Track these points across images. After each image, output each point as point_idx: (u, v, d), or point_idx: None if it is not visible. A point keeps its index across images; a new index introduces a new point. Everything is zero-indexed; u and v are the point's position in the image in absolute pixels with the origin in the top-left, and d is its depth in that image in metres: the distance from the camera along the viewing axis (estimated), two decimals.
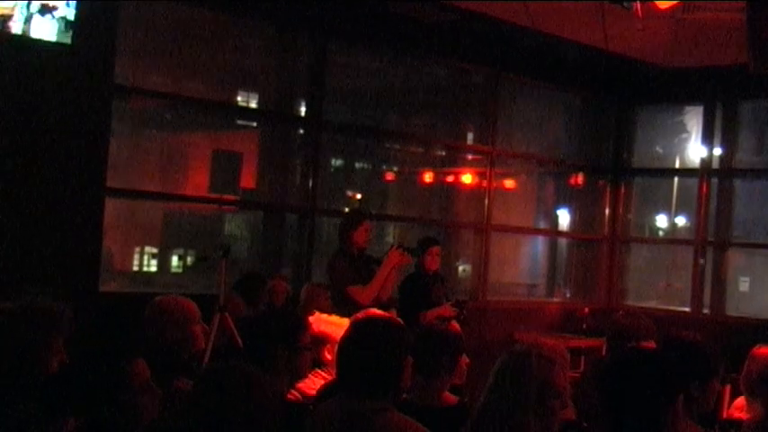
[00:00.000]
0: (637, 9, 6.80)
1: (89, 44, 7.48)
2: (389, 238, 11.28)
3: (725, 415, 5.38)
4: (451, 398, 4.40)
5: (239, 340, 6.54)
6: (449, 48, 10.53)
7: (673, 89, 11.75)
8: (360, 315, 4.71)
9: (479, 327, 9.88)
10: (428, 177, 11.33)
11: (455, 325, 5.94)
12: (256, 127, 10.18)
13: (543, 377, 3.27)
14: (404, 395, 3.91)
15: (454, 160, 11.69)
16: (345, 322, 4.65)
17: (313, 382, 4.85)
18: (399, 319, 4.47)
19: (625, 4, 6.81)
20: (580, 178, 12.74)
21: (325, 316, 5.41)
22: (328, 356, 4.90)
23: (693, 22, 8.73)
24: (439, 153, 11.50)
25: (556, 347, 3.42)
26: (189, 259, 9.92)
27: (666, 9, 6.92)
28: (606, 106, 12.61)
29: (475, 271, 11.42)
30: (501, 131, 11.49)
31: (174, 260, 10.00)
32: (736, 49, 7.22)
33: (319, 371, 4.96)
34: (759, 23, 6.61)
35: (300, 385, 4.77)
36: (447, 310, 8.29)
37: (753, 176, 12.07)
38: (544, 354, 3.32)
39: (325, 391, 4.48)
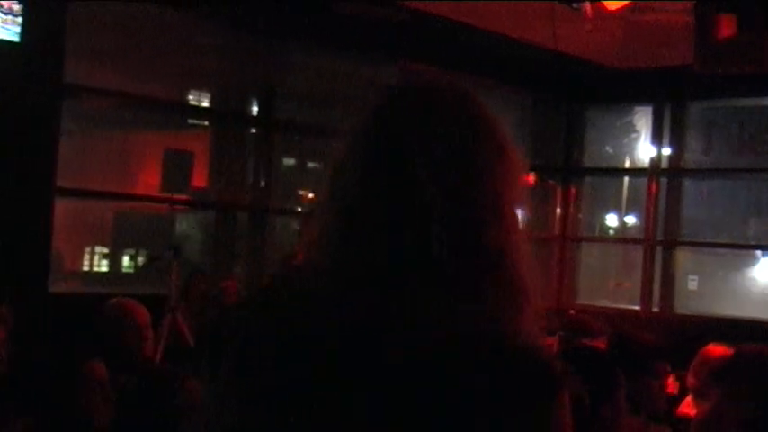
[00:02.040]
0: (586, 10, 6.86)
1: (37, 42, 7.42)
2: None
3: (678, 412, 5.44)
4: None
5: (190, 340, 6.52)
6: (401, 47, 10.55)
7: (622, 90, 11.87)
8: None
9: None
10: None
11: None
12: (208, 126, 10.14)
13: None
14: None
15: None
16: None
17: None
18: None
19: (574, 4, 6.86)
20: (530, 178, 12.81)
21: None
22: None
23: (642, 23, 8.82)
24: None
25: None
26: (140, 259, 9.87)
27: (615, 10, 6.98)
28: (556, 106, 12.70)
29: None
30: None
31: (126, 260, 9.95)
32: (684, 50, 7.30)
33: None
34: (706, 25, 6.70)
35: None
36: None
37: (701, 176, 12.23)
38: None
39: None
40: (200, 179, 9.87)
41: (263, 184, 9.60)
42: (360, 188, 1.53)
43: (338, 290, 1.46)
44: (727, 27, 6.59)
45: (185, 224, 10.35)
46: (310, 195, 11.10)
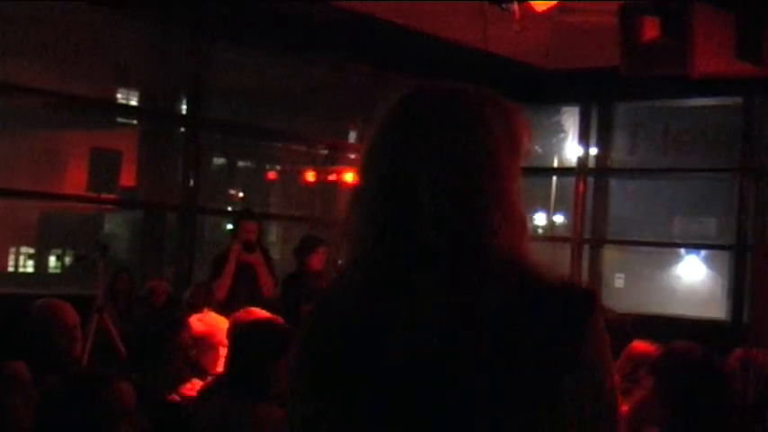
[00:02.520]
0: (515, 11, 6.92)
1: None
2: (272, 237, 11.26)
3: None
4: None
5: (118, 341, 6.46)
6: (332, 46, 10.55)
7: (550, 90, 11.98)
8: (240, 315, 4.71)
9: None
10: (310, 176, 11.34)
11: None
12: (136, 125, 10.05)
13: None
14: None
15: (337, 159, 11.72)
16: (221, 321, 4.65)
17: (193, 385, 4.81)
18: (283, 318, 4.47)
19: (503, 5, 6.92)
20: None
21: (212, 315, 5.36)
22: (201, 357, 4.86)
23: (569, 25, 8.92)
24: (321, 152, 11.51)
25: None
26: (67, 259, 9.75)
27: (543, 11, 7.05)
28: None
29: None
30: None
31: (52, 260, 9.82)
32: (610, 52, 7.40)
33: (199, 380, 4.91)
34: (630, 27, 6.80)
35: (181, 388, 4.73)
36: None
37: (627, 176, 12.43)
38: None
39: (207, 392, 4.45)
40: (127, 178, 9.77)
41: (191, 183, 9.52)
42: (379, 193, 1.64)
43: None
44: (651, 30, 6.69)
45: (113, 224, 10.25)
46: (240, 195, 11.07)
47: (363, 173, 1.69)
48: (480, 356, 1.52)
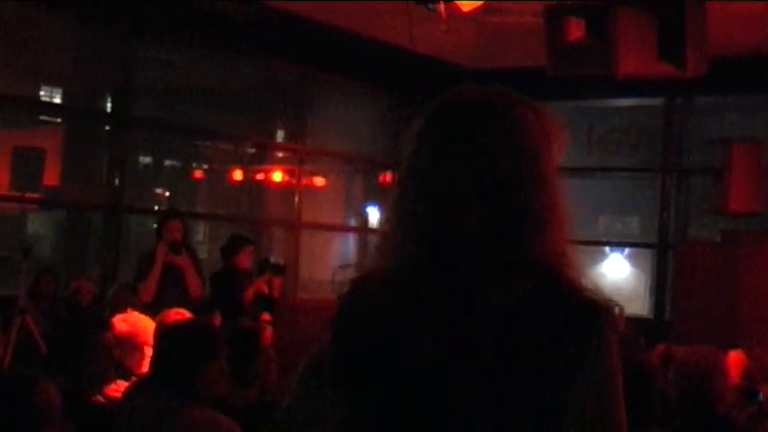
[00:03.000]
0: (441, 10, 6.96)
1: None
2: (200, 237, 11.19)
3: None
4: (255, 395, 4.41)
5: (41, 343, 6.38)
6: (260, 45, 10.51)
7: (474, 85, 12.05)
8: (167, 315, 4.67)
9: (291, 325, 9.91)
10: (238, 175, 11.29)
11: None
12: (60, 123, 9.91)
13: None
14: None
15: (264, 158, 11.69)
16: (146, 321, 4.61)
17: (118, 386, 4.76)
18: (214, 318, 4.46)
19: (430, 5, 6.96)
20: (389, 176, 12.93)
21: (136, 314, 5.31)
22: (125, 357, 4.81)
23: (495, 25, 9.00)
24: (249, 151, 11.47)
25: None
26: None
27: (469, 11, 7.11)
28: (413, 105, 12.82)
29: (286, 268, 11.43)
30: (311, 129, 11.55)
31: None
32: (536, 52, 7.48)
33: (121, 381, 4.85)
34: (556, 28, 6.88)
35: (106, 389, 4.68)
36: (259, 281, 8.39)
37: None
38: None
39: (132, 393, 4.41)
40: (51, 177, 9.63)
41: (116, 182, 9.41)
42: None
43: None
44: (575, 31, 6.79)
45: (36, 223, 10.10)
46: (166, 194, 10.98)
47: (408, 177, 1.69)
48: (481, 361, 1.54)
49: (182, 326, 3.77)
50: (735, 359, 7.36)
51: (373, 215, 13.05)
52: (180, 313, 4.80)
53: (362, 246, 13.07)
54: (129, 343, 4.85)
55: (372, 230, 13.02)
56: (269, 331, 8.25)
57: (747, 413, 4.78)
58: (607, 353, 1.57)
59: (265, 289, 8.44)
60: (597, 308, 1.58)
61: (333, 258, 12.84)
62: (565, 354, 1.54)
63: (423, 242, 1.62)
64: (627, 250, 12.95)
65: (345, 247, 13.04)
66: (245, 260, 8.64)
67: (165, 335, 3.66)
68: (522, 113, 1.71)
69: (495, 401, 1.54)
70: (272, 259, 8.92)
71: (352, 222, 13.17)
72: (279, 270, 8.69)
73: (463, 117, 1.68)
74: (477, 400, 1.54)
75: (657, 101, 11.41)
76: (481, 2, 6.97)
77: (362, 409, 1.62)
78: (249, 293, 8.29)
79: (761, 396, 4.79)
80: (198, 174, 11.37)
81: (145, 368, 4.45)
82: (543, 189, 1.66)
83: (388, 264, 1.66)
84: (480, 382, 1.54)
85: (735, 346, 7.64)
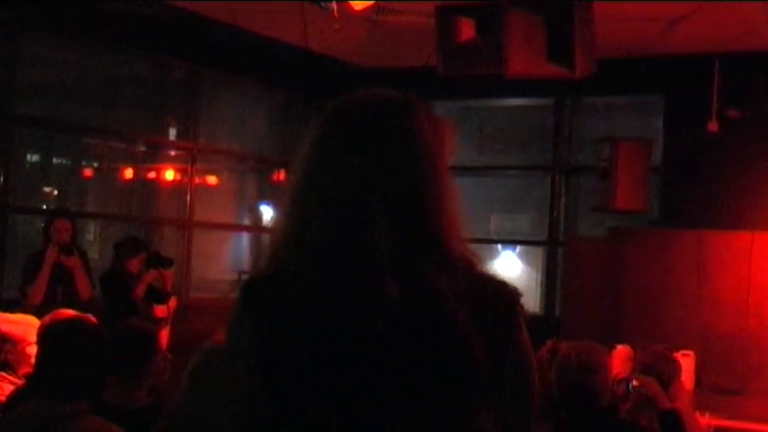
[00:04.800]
0: (333, 9, 6.97)
1: None
2: (90, 236, 11.01)
3: None
4: (145, 398, 4.35)
5: None
6: (150, 42, 10.39)
7: (370, 88, 12.10)
8: (52, 316, 4.60)
9: (182, 324, 9.82)
10: (129, 173, 11.13)
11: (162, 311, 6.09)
12: None
13: None
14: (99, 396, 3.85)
15: (156, 156, 11.55)
16: (31, 320, 4.53)
17: (1, 388, 4.66)
18: (99, 318, 4.40)
19: (322, 3, 6.96)
20: (281, 174, 12.91)
21: (7, 315, 5.20)
22: (10, 357, 4.72)
23: (387, 24, 9.05)
24: (140, 149, 11.32)
25: None
26: None
27: (361, 10, 7.13)
28: (306, 104, 12.82)
29: (177, 268, 11.31)
30: (203, 127, 11.45)
31: None
32: (427, 52, 7.55)
33: (5, 374, 4.76)
34: (446, 28, 6.95)
35: None
36: (147, 276, 8.41)
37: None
38: None
39: (17, 396, 4.33)
40: None
41: (2, 180, 9.21)
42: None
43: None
44: (466, 31, 6.86)
45: None
46: (55, 192, 10.78)
47: (311, 177, 1.73)
48: (435, 344, 1.62)
49: (66, 326, 3.70)
50: (621, 353, 7.55)
51: (267, 214, 13.00)
52: (65, 313, 4.72)
53: (256, 244, 13.02)
54: (14, 343, 4.75)
55: (266, 229, 12.98)
56: (165, 332, 8.18)
57: (628, 405, 4.92)
58: (523, 329, 1.75)
59: (155, 283, 8.39)
60: (514, 292, 1.78)
61: (226, 257, 12.77)
62: (504, 332, 1.70)
63: (330, 240, 1.66)
64: (518, 248, 13.13)
65: (238, 246, 12.97)
66: (137, 265, 8.56)
67: (49, 336, 3.60)
68: (417, 116, 1.79)
69: (440, 379, 1.62)
70: (157, 253, 8.82)
71: (246, 221, 13.11)
72: (167, 263, 8.61)
73: (360, 121, 1.75)
74: (423, 379, 1.61)
75: (547, 101, 11.61)
76: (373, 1, 6.99)
77: (298, 400, 1.63)
78: (140, 290, 8.21)
79: (631, 385, 4.93)
80: (87, 172, 11.18)
81: (29, 368, 4.37)
82: (440, 188, 1.73)
83: (297, 262, 1.68)
84: (425, 359, 1.61)
85: (621, 341, 7.84)
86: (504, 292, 1.75)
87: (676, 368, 5.05)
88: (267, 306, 1.69)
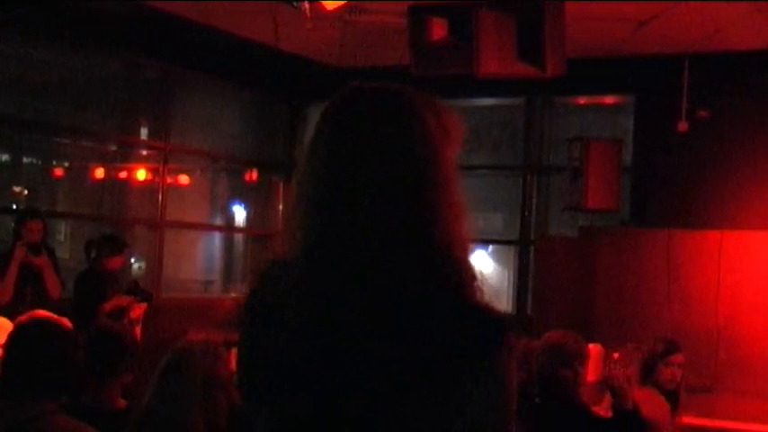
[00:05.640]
0: (305, 9, 6.97)
1: None
2: (60, 236, 10.95)
3: None
4: (122, 401, 4.34)
5: None
6: (122, 40, 10.34)
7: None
8: (23, 317, 4.57)
9: (155, 325, 9.79)
10: (100, 173, 11.07)
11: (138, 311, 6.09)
12: None
13: (208, 372, 3.30)
14: (75, 398, 3.83)
15: (127, 156, 11.50)
16: (4, 323, 4.50)
17: None
18: (74, 318, 4.38)
19: (294, 3, 6.96)
20: (254, 174, 12.89)
21: None
22: None
23: (360, 24, 9.06)
24: (112, 148, 11.27)
25: (219, 341, 3.46)
26: None
27: (333, 10, 7.14)
28: (278, 103, 12.82)
29: (149, 268, 11.29)
30: (175, 127, 11.41)
31: None
32: (399, 52, 7.56)
33: None
34: (419, 28, 6.96)
35: None
36: (122, 299, 8.24)
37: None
38: (209, 348, 3.35)
39: None
40: None
41: None
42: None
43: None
44: (438, 30, 6.88)
45: None
46: (25, 192, 10.71)
47: (307, 173, 1.68)
48: (388, 352, 1.55)
49: (33, 326, 3.67)
50: (592, 352, 7.60)
51: (239, 214, 12.98)
52: (37, 314, 4.69)
53: (228, 245, 12.99)
54: None
55: (238, 229, 12.96)
56: (137, 331, 8.14)
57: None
58: (501, 367, 1.59)
59: (123, 307, 8.29)
60: (498, 322, 1.61)
61: (198, 257, 12.73)
62: (464, 358, 1.56)
63: (329, 243, 1.61)
64: (490, 247, 13.16)
65: (211, 246, 12.94)
66: (117, 263, 8.53)
67: (19, 336, 3.57)
68: (420, 111, 1.72)
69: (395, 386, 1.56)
70: (136, 283, 8.78)
71: (218, 221, 13.08)
72: (146, 297, 8.54)
73: (360, 117, 1.67)
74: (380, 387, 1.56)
75: (519, 100, 11.66)
76: (345, 1, 7.00)
77: (291, 406, 1.61)
78: (106, 307, 8.10)
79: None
80: (58, 172, 11.11)
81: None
82: (443, 186, 1.67)
83: (296, 265, 1.64)
84: (383, 370, 1.56)
85: (592, 340, 7.88)
86: (488, 321, 1.61)
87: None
88: (256, 303, 1.69)
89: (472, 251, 1.68)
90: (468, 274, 1.64)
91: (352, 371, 1.56)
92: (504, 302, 11.83)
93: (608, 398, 4.97)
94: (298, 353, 1.59)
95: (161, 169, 11.23)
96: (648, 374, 5.18)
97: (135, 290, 8.46)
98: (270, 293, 1.67)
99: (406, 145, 1.65)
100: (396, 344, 1.56)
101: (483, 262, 13.10)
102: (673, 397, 5.23)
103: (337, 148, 1.64)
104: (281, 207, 12.89)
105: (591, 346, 7.64)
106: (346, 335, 1.57)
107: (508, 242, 12.10)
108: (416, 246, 1.59)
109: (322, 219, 1.62)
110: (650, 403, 5.01)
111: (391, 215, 1.59)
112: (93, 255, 8.49)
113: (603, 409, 4.94)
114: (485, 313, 1.62)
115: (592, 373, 5.48)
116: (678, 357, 5.22)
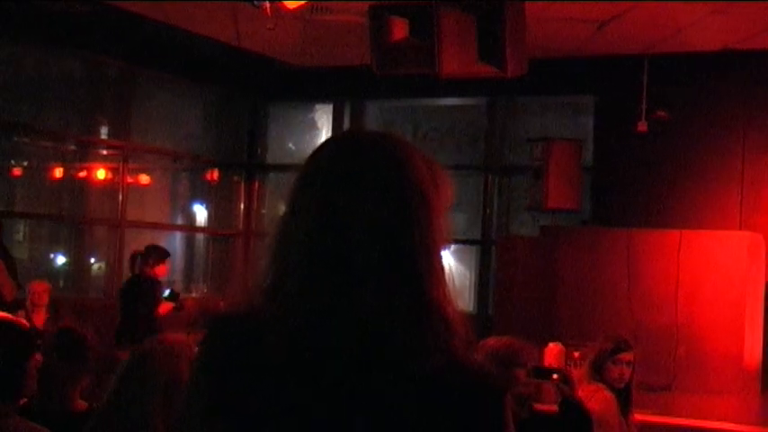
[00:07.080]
0: (266, 8, 6.94)
1: None
2: (19, 236, 10.85)
3: None
4: (82, 403, 4.30)
5: None
6: (83, 39, 10.26)
7: (304, 87, 12.10)
8: None
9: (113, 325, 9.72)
10: (59, 172, 10.98)
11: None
12: None
13: (169, 373, 3.28)
14: (29, 400, 3.79)
15: (87, 155, 11.41)
16: None
17: None
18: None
19: (255, 2, 6.93)
20: (215, 174, 12.83)
21: None
22: None
23: (321, 23, 9.05)
24: (71, 147, 11.18)
25: (182, 342, 3.44)
26: None
27: (294, 9, 7.11)
28: (240, 103, 12.77)
29: (110, 268, 11.21)
30: (136, 126, 11.34)
31: None
32: (361, 51, 7.55)
33: None
34: (380, 28, 6.96)
35: None
36: (169, 307, 9.06)
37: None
38: (169, 349, 3.33)
39: None
40: None
41: None
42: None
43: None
44: (399, 30, 6.88)
45: None
46: None
47: (298, 208, 1.65)
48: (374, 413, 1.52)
49: None
50: (553, 350, 7.64)
51: (200, 213, 12.92)
52: (1, 316, 4.65)
53: (189, 244, 12.93)
54: None
55: (199, 229, 12.90)
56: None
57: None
58: (509, 424, 1.59)
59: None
60: (497, 385, 1.60)
61: None
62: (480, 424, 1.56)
63: (305, 292, 1.58)
64: (453, 246, 13.19)
65: (172, 246, 12.85)
66: (164, 270, 9.14)
67: None
68: (415, 158, 1.70)
69: None
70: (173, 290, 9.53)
71: (179, 221, 13.00)
72: (176, 298, 9.35)
73: (362, 158, 1.67)
74: None
75: (480, 100, 11.70)
76: (306, 1, 6.98)
77: None
78: (161, 311, 8.91)
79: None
80: (16, 171, 11.00)
81: None
82: (430, 235, 1.64)
83: (270, 307, 1.61)
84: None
85: (554, 338, 7.93)
86: (489, 385, 1.60)
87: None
88: (227, 345, 1.66)
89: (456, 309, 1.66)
90: (458, 333, 1.62)
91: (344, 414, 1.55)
92: (466, 302, 11.86)
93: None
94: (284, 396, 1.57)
95: (121, 168, 11.15)
96: (597, 372, 5.19)
97: (174, 296, 9.24)
98: (234, 343, 1.63)
99: (398, 186, 1.63)
100: (386, 402, 1.53)
101: (446, 261, 13.12)
102: (624, 395, 5.24)
103: (337, 185, 1.63)
104: (242, 206, 12.85)
105: (551, 344, 7.70)
106: (337, 380, 1.54)
107: (470, 242, 12.13)
108: (410, 294, 1.59)
109: (311, 274, 1.59)
110: (595, 398, 5.03)
111: (384, 251, 1.59)
112: (138, 262, 8.99)
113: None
114: (483, 377, 1.62)
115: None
116: (627, 355, 5.22)
